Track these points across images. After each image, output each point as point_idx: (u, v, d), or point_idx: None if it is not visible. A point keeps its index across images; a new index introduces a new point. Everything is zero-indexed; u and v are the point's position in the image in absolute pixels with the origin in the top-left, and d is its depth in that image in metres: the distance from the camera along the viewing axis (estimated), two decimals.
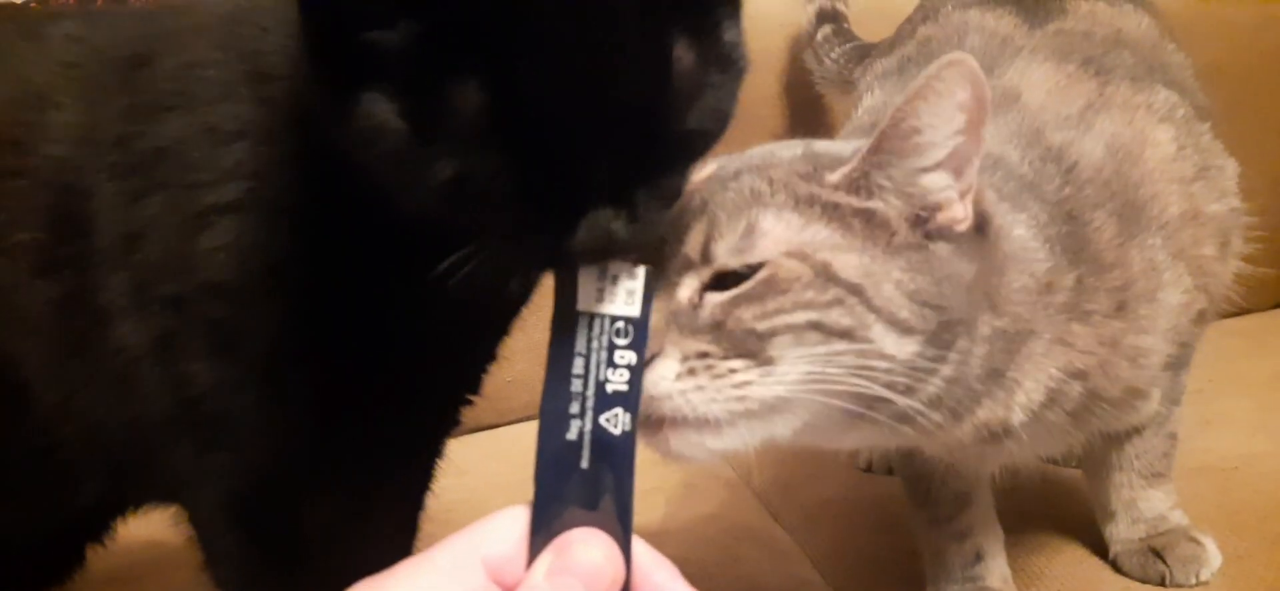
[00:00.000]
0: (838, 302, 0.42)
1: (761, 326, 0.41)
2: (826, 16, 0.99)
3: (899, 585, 0.67)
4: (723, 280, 0.43)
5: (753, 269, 0.42)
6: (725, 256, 0.43)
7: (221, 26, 0.45)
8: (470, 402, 0.54)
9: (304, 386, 0.45)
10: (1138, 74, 0.60)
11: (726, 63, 0.36)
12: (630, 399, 0.33)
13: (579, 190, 0.33)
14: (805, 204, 0.44)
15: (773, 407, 0.42)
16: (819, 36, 0.98)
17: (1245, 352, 0.94)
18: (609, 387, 0.33)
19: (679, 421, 0.40)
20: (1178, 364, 0.59)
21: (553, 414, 0.32)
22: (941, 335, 0.44)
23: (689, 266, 0.43)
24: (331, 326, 0.44)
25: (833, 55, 0.96)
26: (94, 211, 0.45)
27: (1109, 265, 0.51)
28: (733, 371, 0.41)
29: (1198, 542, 0.65)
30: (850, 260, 0.43)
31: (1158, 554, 0.64)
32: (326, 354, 0.45)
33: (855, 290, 0.42)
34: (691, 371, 0.40)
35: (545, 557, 0.31)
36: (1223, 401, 0.83)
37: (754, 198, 0.44)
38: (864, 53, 0.91)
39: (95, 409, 0.47)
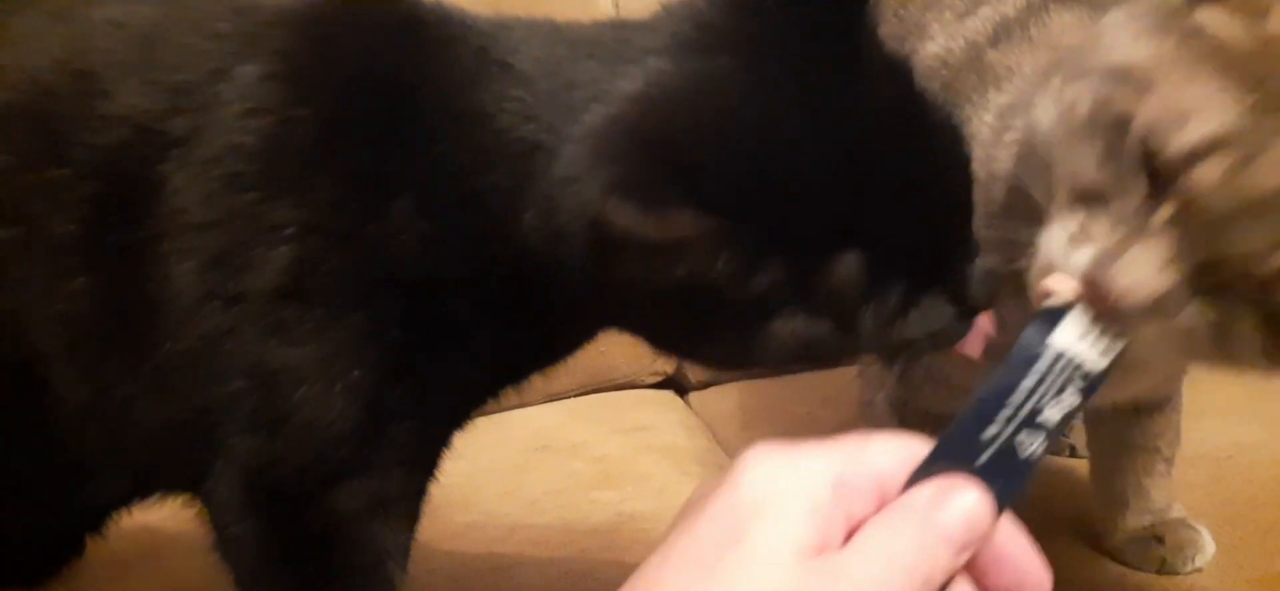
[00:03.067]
0: None
1: None
2: None
3: None
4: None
5: None
6: None
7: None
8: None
9: (361, 390, 0.44)
10: None
11: None
12: (1053, 435, 0.33)
13: (952, 261, 0.41)
14: None
15: None
16: None
17: None
18: (1040, 417, 0.33)
19: None
20: None
21: (983, 407, 0.33)
22: None
23: (1245, 281, 0.39)
24: (406, 344, 0.44)
25: None
26: (151, 200, 0.43)
27: None
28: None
29: (1194, 530, 0.65)
30: None
31: (1159, 539, 0.65)
32: (392, 367, 0.45)
33: None
34: None
35: (928, 488, 0.31)
36: (1216, 391, 0.83)
37: None
38: None
39: (128, 403, 0.46)
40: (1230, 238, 0.38)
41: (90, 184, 0.44)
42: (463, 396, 0.49)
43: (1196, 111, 0.39)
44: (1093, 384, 0.35)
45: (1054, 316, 0.37)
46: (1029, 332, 0.36)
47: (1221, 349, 0.42)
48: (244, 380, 0.44)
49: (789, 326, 0.39)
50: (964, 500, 0.30)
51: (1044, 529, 0.71)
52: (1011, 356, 0.35)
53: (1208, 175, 0.38)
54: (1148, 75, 0.41)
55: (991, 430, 0.32)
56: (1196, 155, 0.39)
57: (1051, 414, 0.33)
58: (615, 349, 0.74)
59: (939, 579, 0.30)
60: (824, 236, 0.38)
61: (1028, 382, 0.34)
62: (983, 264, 0.42)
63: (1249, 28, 0.39)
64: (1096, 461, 0.69)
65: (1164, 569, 0.64)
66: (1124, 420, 0.64)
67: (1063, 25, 0.54)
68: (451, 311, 0.45)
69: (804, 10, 0.40)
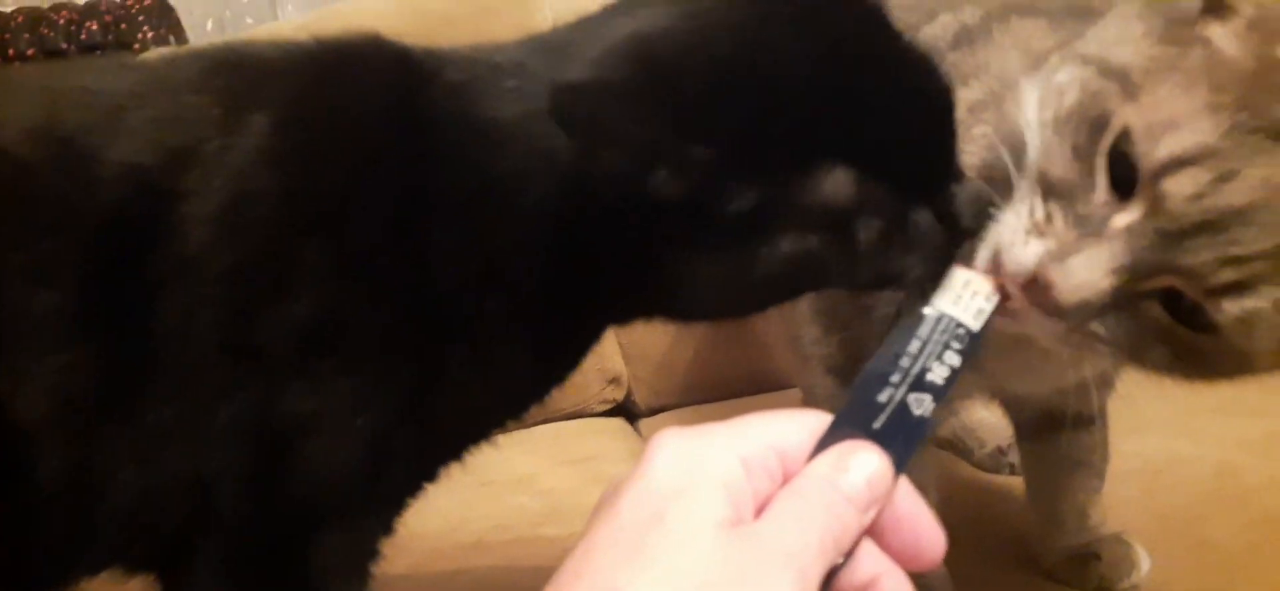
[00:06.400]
0: None
1: None
2: None
3: None
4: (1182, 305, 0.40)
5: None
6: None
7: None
8: None
9: (371, 437, 0.44)
10: None
11: None
12: (940, 392, 0.35)
13: (938, 180, 0.42)
14: None
15: None
16: None
17: None
18: (928, 377, 0.35)
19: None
20: None
21: (875, 374, 0.35)
22: None
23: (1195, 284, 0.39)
24: (420, 384, 0.45)
25: None
26: (154, 255, 0.42)
27: None
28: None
29: (1129, 546, 0.67)
30: None
31: (1096, 557, 0.66)
32: (405, 409, 0.45)
33: None
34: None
35: (830, 455, 0.32)
36: (1148, 406, 0.85)
37: None
38: None
39: (111, 475, 0.43)
40: (1185, 249, 0.39)
41: (83, 250, 0.42)
42: (463, 434, 0.50)
43: (1184, 122, 0.40)
44: (971, 345, 0.37)
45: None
46: (913, 300, 0.39)
47: (1131, 355, 0.44)
48: (248, 436, 0.43)
49: (782, 247, 0.41)
50: (865, 461, 0.32)
51: (984, 552, 0.72)
52: (898, 323, 0.37)
53: (1182, 187, 0.39)
54: (1142, 80, 0.42)
55: (885, 394, 0.35)
56: (1176, 164, 0.39)
57: (937, 375, 0.35)
58: None
59: (849, 539, 0.31)
60: (808, 153, 0.40)
61: (913, 346, 0.36)
62: (971, 187, 0.44)
63: (1255, 49, 0.40)
64: (1032, 482, 0.70)
65: (1101, 586, 0.65)
66: (1057, 439, 0.65)
67: (1026, 29, 0.56)
68: (473, 334, 0.45)
69: None
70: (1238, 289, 0.39)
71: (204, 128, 0.44)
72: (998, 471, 0.82)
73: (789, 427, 0.33)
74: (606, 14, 0.45)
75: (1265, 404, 0.83)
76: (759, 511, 0.31)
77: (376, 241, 0.44)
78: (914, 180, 0.42)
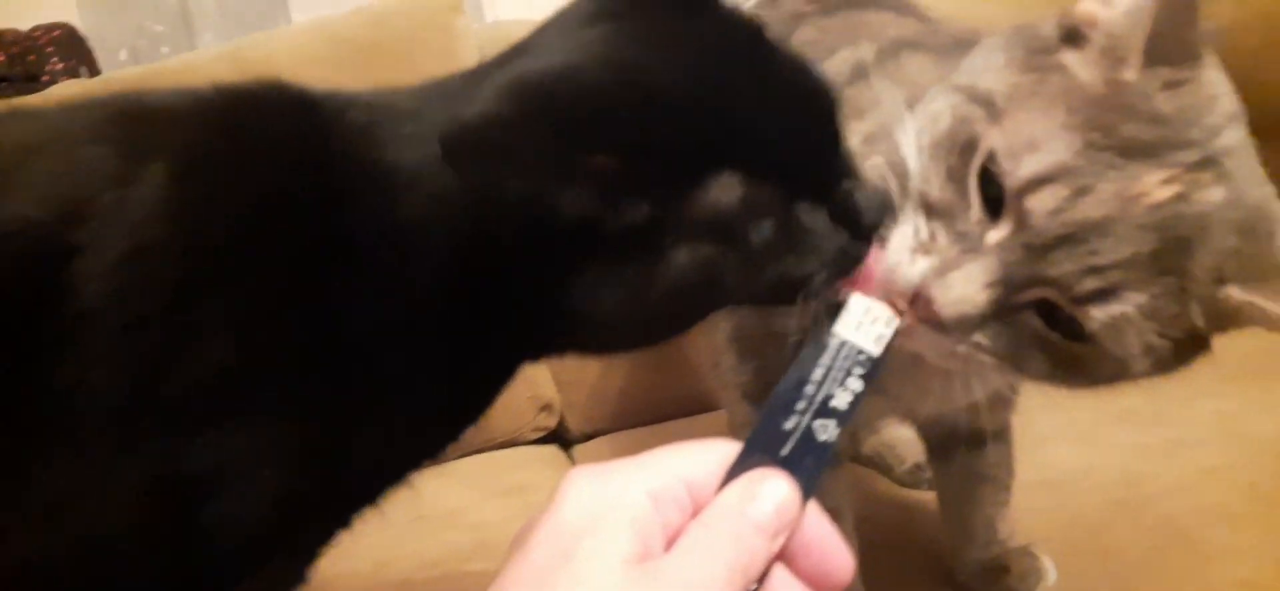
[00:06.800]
0: None
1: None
2: None
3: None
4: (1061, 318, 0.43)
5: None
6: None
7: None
8: None
9: (278, 492, 0.43)
10: None
11: None
12: (844, 418, 0.36)
13: (830, 178, 0.43)
14: None
15: None
16: None
17: None
18: (831, 403, 0.36)
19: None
20: None
21: (781, 401, 0.36)
22: None
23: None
24: (328, 433, 0.44)
25: None
26: (50, 312, 0.41)
27: None
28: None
29: (1035, 557, 0.69)
30: None
31: (1005, 569, 0.68)
32: (313, 460, 0.44)
33: None
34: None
35: (738, 484, 0.33)
36: (1053, 416, 0.88)
37: None
38: None
39: (3, 538, 0.42)
40: (1050, 261, 0.42)
41: None
42: (376, 481, 0.49)
43: (1043, 143, 0.42)
44: (872, 369, 0.38)
45: (836, 309, 0.41)
46: (817, 328, 0.39)
47: (1015, 365, 0.46)
48: (150, 495, 0.42)
49: (679, 259, 0.41)
50: (773, 488, 0.33)
51: (902, 566, 0.74)
52: (803, 351, 0.38)
53: (1043, 203, 0.42)
54: (1005, 105, 0.45)
55: (791, 421, 0.36)
56: (1037, 182, 0.42)
57: (841, 399, 0.37)
58: (497, 403, 0.74)
59: (758, 567, 0.32)
60: (694, 165, 0.41)
61: (817, 373, 0.37)
62: (868, 187, 0.45)
63: (1105, 73, 0.43)
64: (943, 498, 0.72)
65: None
66: (963, 456, 0.68)
67: (916, 65, 0.58)
68: (381, 381, 0.45)
69: None
70: (1103, 296, 0.41)
71: (99, 180, 0.43)
72: (917, 487, 0.85)
73: (698, 458, 0.34)
74: (501, 58, 0.46)
75: (1166, 412, 0.87)
76: (670, 544, 0.31)
77: (278, 291, 0.44)
78: (802, 178, 0.43)
